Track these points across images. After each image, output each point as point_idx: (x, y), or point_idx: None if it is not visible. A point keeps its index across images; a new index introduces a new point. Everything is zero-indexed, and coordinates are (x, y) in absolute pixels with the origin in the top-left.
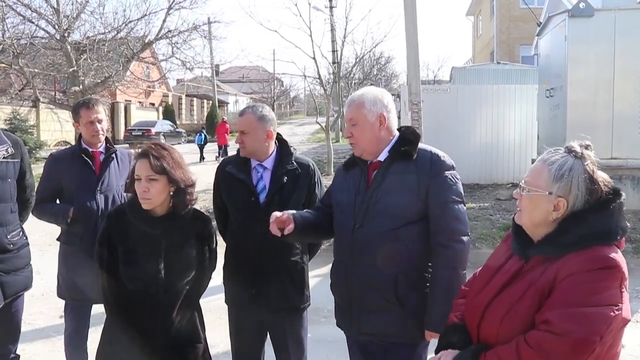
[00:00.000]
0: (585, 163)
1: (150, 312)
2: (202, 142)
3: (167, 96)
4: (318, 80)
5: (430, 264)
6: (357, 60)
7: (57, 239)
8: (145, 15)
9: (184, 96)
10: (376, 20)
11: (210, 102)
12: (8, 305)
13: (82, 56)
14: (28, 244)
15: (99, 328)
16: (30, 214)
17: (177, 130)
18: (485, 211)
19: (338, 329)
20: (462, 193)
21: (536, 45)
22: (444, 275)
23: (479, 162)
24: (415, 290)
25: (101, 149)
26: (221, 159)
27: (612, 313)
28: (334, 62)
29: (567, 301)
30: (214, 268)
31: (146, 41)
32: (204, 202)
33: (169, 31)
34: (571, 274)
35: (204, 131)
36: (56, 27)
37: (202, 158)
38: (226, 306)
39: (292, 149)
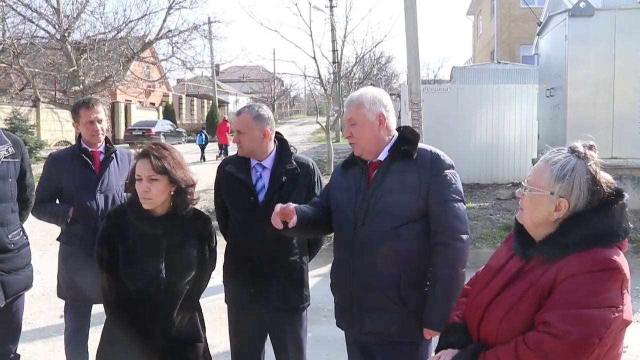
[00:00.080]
0: (588, 164)
1: (150, 312)
2: (203, 142)
3: (168, 96)
4: (318, 80)
5: (430, 264)
6: (358, 60)
7: (57, 239)
8: (146, 15)
9: (184, 96)
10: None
11: (211, 101)
12: (9, 304)
13: (82, 56)
14: (28, 243)
15: (99, 328)
16: (30, 214)
17: (177, 130)
18: (486, 211)
19: (338, 329)
20: (462, 192)
21: (536, 44)
22: (444, 273)
23: (479, 161)
24: (416, 290)
25: (101, 149)
26: (222, 158)
27: (611, 315)
28: (334, 62)
29: (567, 302)
30: (213, 268)
31: (146, 41)
32: (204, 202)
33: (169, 31)
34: (571, 275)
35: (205, 131)
36: (56, 26)
37: (202, 158)
38: (226, 306)
39: (292, 148)
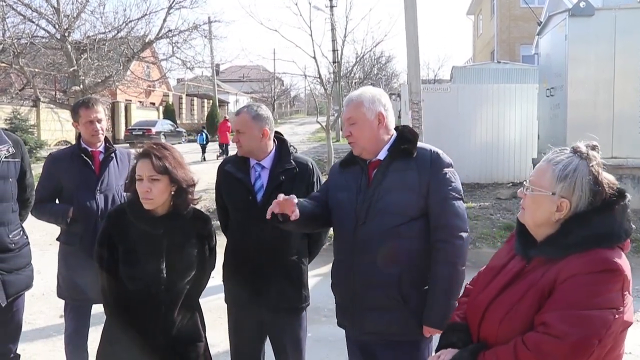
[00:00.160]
0: (591, 164)
1: (151, 312)
2: (204, 142)
3: (168, 96)
4: (318, 80)
5: (430, 263)
6: (358, 59)
7: (57, 239)
8: (146, 14)
9: (184, 96)
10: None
11: (211, 101)
12: (9, 304)
13: (82, 56)
14: (29, 243)
15: (99, 328)
16: (30, 214)
17: (177, 129)
18: (486, 210)
19: (338, 329)
20: (461, 190)
21: (537, 44)
22: (443, 271)
23: (480, 161)
24: (417, 289)
25: (100, 149)
26: (222, 157)
27: (612, 316)
28: (334, 62)
29: (567, 303)
30: (213, 267)
31: (146, 41)
32: (204, 201)
33: (170, 31)
34: (572, 275)
35: (205, 130)
36: (56, 26)
37: (203, 158)
38: (226, 306)
39: (291, 148)
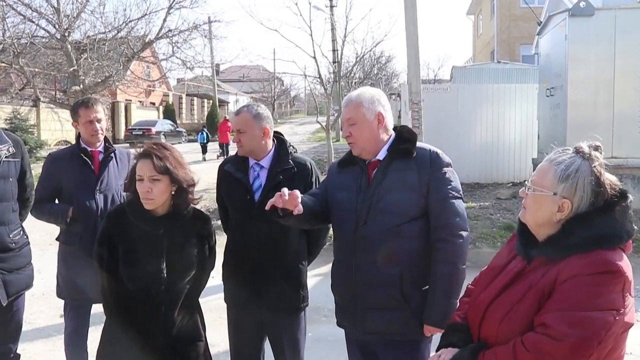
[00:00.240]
0: (593, 165)
1: (151, 312)
2: (205, 141)
3: (168, 95)
4: (318, 80)
5: (430, 263)
6: (358, 59)
7: (57, 239)
8: (146, 14)
9: (184, 95)
10: (376, 20)
11: (211, 101)
12: (10, 304)
13: (82, 55)
14: (29, 242)
15: (99, 328)
16: (29, 214)
17: (177, 129)
18: (486, 210)
19: (338, 329)
20: (461, 189)
21: (537, 44)
22: (444, 270)
23: (480, 161)
24: (418, 289)
25: (100, 149)
26: (222, 157)
27: (612, 317)
28: (334, 62)
29: (566, 304)
30: (213, 267)
31: (146, 40)
32: (204, 201)
33: (170, 30)
34: (572, 276)
35: (206, 129)
36: (56, 26)
37: (203, 158)
38: (226, 305)
39: (291, 148)
